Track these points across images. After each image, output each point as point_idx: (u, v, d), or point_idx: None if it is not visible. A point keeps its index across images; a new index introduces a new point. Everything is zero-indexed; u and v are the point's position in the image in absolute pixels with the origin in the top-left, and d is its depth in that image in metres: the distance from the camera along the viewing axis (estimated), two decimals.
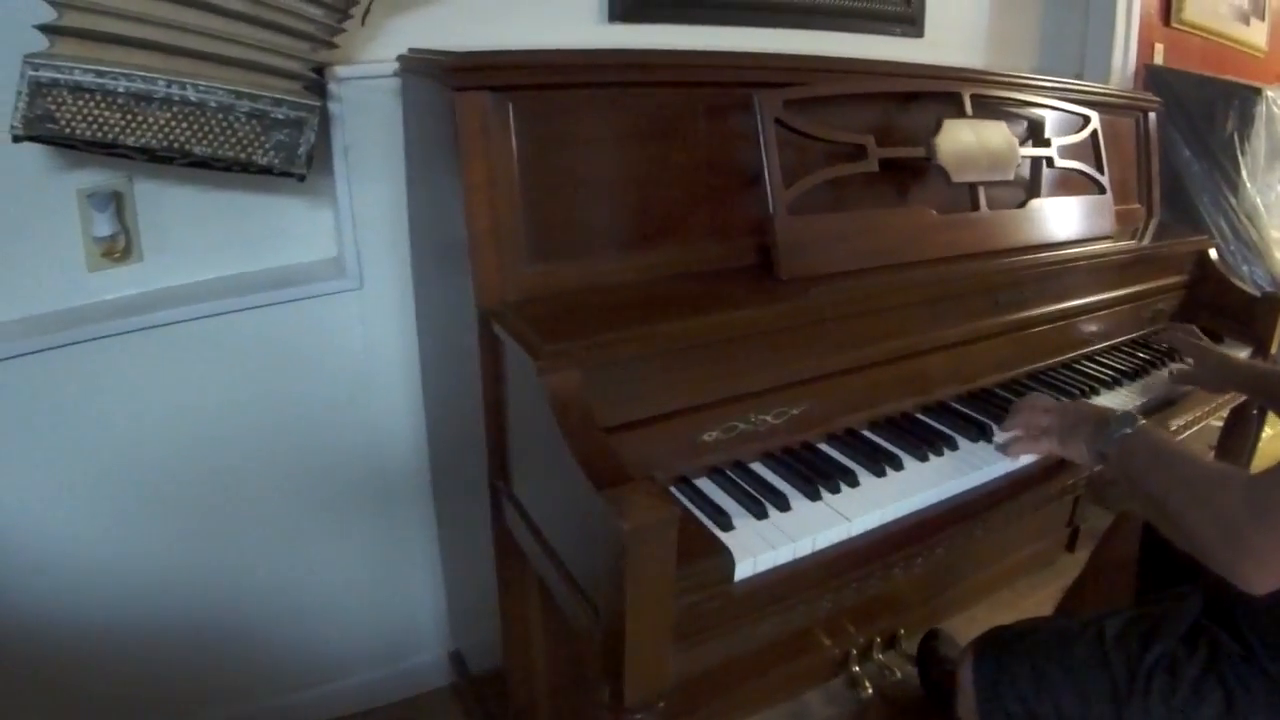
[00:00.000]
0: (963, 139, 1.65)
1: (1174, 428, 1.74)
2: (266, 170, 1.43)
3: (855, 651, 2.06)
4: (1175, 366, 1.80)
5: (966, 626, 2.31)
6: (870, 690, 2.01)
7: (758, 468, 1.34)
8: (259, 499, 1.70)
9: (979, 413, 1.56)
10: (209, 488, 1.63)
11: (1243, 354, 2.04)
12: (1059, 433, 1.39)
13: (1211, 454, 2.16)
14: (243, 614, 1.76)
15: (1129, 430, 1.28)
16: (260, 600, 1.77)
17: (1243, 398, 1.91)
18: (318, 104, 1.43)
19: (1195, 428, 1.82)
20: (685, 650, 1.08)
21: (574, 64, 1.34)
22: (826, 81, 1.53)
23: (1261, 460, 2.26)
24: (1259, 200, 2.61)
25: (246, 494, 1.68)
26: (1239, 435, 2.15)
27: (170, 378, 1.55)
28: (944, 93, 1.69)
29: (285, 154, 1.42)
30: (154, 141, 1.32)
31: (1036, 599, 2.47)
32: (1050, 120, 1.89)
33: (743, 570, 1.11)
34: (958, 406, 1.59)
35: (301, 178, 1.46)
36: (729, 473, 1.31)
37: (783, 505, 1.23)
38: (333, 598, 1.86)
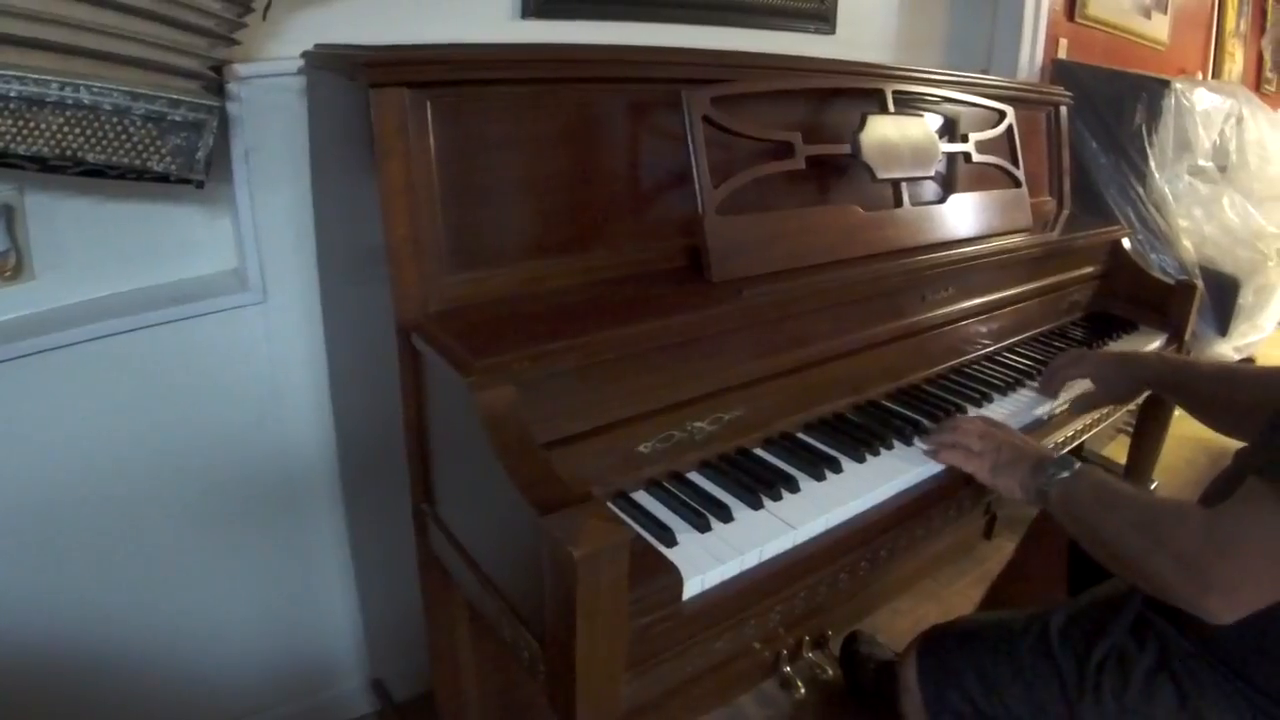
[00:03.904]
0: (886, 135, 1.63)
1: (1084, 424, 1.74)
2: (163, 178, 1.33)
3: (785, 652, 2.03)
4: (1077, 396, 1.72)
5: (891, 619, 2.34)
6: (803, 690, 2.00)
7: (696, 478, 1.29)
8: (159, 528, 1.59)
9: (912, 410, 1.55)
10: (105, 518, 1.52)
11: (1156, 342, 2.07)
12: (991, 465, 1.35)
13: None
14: (146, 652, 1.65)
15: (1067, 474, 1.25)
16: (165, 637, 1.66)
17: None
18: (217, 104, 1.34)
19: (1106, 422, 1.84)
20: (637, 677, 1.03)
21: (496, 59, 1.28)
22: (754, 78, 1.49)
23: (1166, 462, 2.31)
24: (1167, 190, 2.67)
25: (146, 523, 1.57)
26: (1153, 427, 2.18)
27: (61, 404, 1.43)
28: (866, 89, 1.67)
29: (183, 159, 1.33)
30: (46, 149, 1.21)
31: (959, 587, 2.52)
32: (967, 115, 1.90)
33: (691, 588, 1.06)
34: (890, 405, 1.58)
35: (200, 184, 1.37)
36: (667, 485, 1.26)
37: (725, 516, 1.18)
38: (244, 630, 1.76)
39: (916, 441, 1.45)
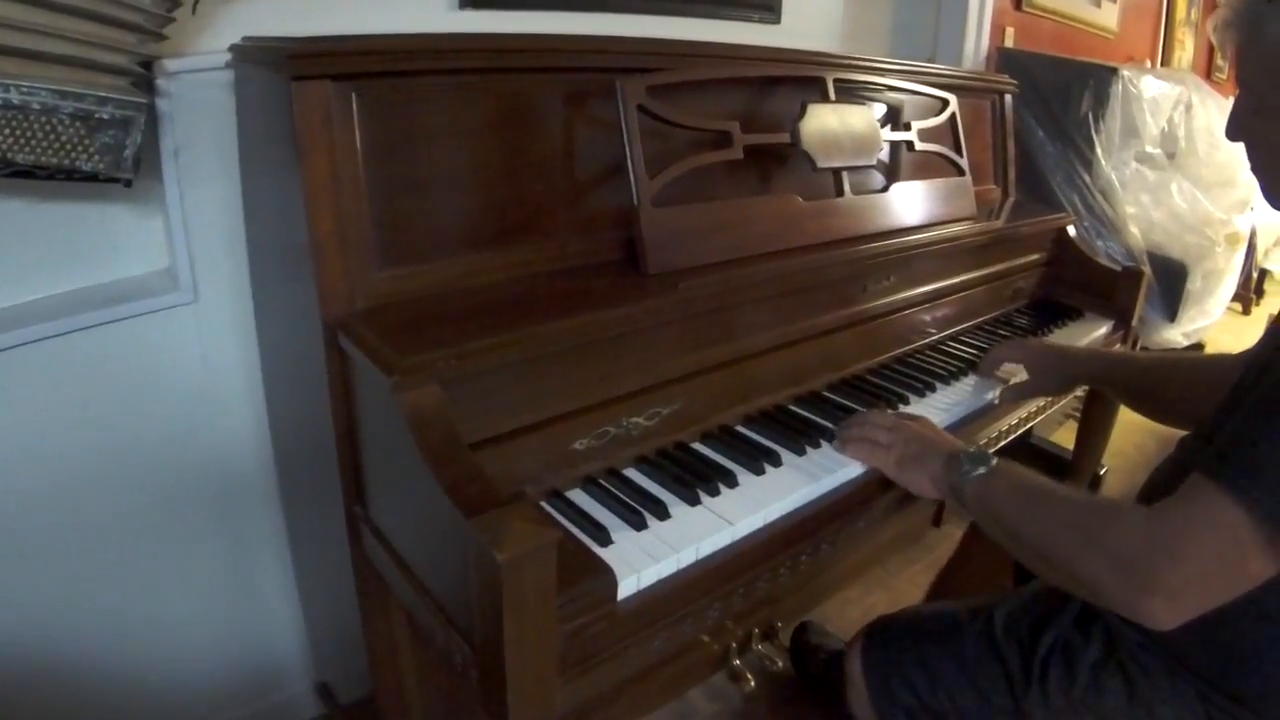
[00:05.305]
0: (827, 124, 1.62)
1: (1030, 411, 1.75)
2: (92, 177, 1.29)
3: (735, 645, 2.01)
4: (1010, 385, 1.68)
5: (840, 609, 2.34)
6: (753, 683, 1.99)
7: (633, 474, 1.27)
8: (97, 532, 1.55)
9: (853, 401, 1.55)
10: (40, 523, 1.48)
11: (1103, 328, 2.08)
12: (897, 460, 1.31)
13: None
14: (89, 659, 1.61)
15: (983, 470, 1.19)
16: (108, 642, 1.62)
17: None
18: (145, 101, 1.31)
19: (1052, 409, 1.84)
20: (572, 680, 1.02)
21: (422, 49, 1.24)
22: (690, 66, 1.48)
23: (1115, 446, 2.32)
24: (1114, 177, 2.69)
25: (83, 527, 1.53)
26: (1101, 413, 2.19)
27: None
28: (807, 78, 1.66)
29: (111, 158, 1.29)
30: None
31: (908, 575, 2.53)
32: (910, 104, 1.89)
33: (626, 588, 1.04)
34: (831, 395, 1.57)
35: (128, 183, 1.33)
36: (603, 482, 1.24)
37: (662, 513, 1.17)
38: (188, 634, 1.73)
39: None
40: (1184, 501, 0.97)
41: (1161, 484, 1.23)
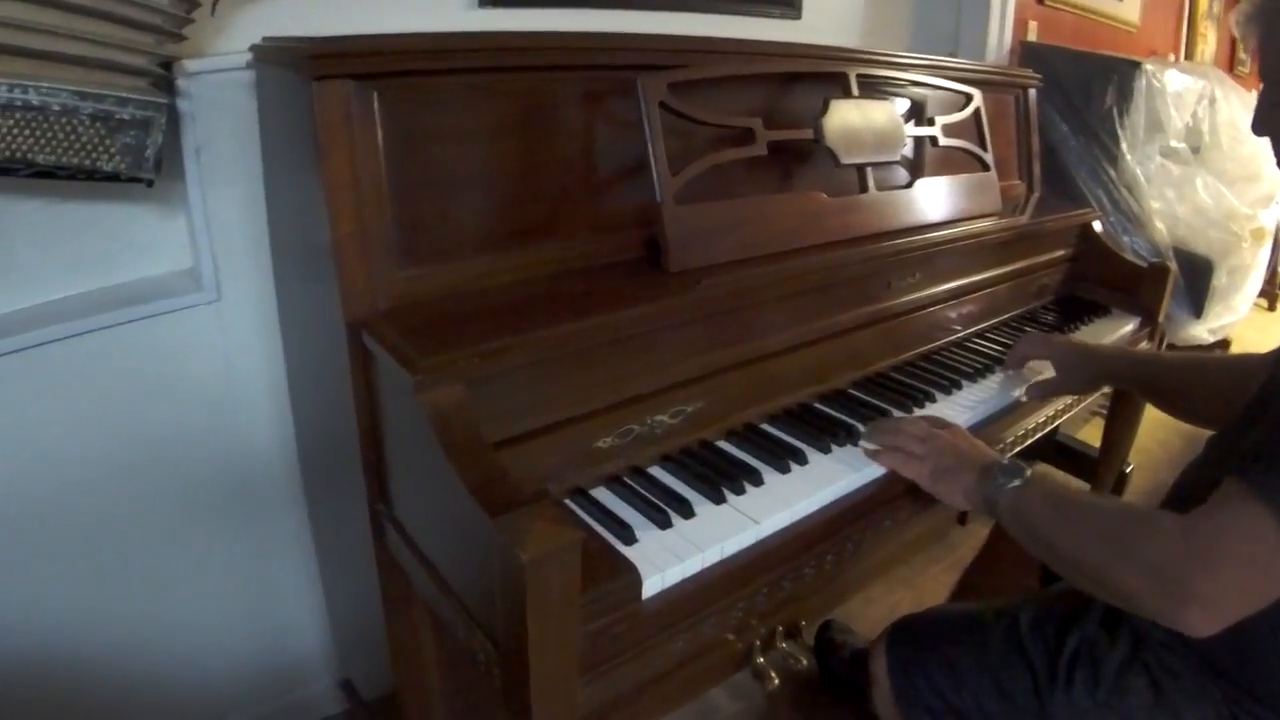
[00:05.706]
0: (850, 120, 1.60)
1: (1056, 409, 1.73)
2: (113, 177, 1.30)
3: (758, 643, 2.00)
4: (1035, 382, 1.65)
5: (864, 608, 2.32)
6: (776, 681, 1.97)
7: (657, 472, 1.27)
8: (122, 530, 1.56)
9: (879, 399, 1.53)
10: (65, 522, 1.49)
11: (1129, 325, 2.06)
12: (931, 472, 1.29)
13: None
14: (113, 656, 1.62)
15: (1018, 482, 1.18)
16: (132, 640, 1.63)
17: None
18: (165, 102, 1.31)
19: (1078, 407, 1.82)
20: (594, 681, 1.01)
21: (443, 49, 1.24)
22: (711, 63, 1.47)
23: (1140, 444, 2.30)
24: (1139, 171, 2.66)
25: (108, 526, 1.54)
26: (1128, 410, 2.17)
27: (15, 409, 1.40)
28: (830, 73, 1.65)
29: (132, 158, 1.30)
30: None
31: (933, 573, 2.50)
32: (934, 99, 1.87)
33: (651, 587, 1.04)
34: (856, 393, 1.56)
35: (149, 183, 1.34)
36: (628, 480, 1.23)
37: (687, 512, 1.16)
38: (213, 631, 1.74)
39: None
40: (1216, 509, 0.97)
41: (1189, 486, 1.22)
